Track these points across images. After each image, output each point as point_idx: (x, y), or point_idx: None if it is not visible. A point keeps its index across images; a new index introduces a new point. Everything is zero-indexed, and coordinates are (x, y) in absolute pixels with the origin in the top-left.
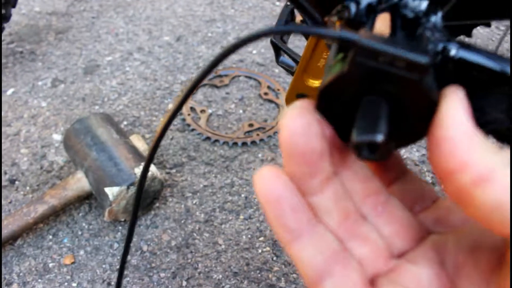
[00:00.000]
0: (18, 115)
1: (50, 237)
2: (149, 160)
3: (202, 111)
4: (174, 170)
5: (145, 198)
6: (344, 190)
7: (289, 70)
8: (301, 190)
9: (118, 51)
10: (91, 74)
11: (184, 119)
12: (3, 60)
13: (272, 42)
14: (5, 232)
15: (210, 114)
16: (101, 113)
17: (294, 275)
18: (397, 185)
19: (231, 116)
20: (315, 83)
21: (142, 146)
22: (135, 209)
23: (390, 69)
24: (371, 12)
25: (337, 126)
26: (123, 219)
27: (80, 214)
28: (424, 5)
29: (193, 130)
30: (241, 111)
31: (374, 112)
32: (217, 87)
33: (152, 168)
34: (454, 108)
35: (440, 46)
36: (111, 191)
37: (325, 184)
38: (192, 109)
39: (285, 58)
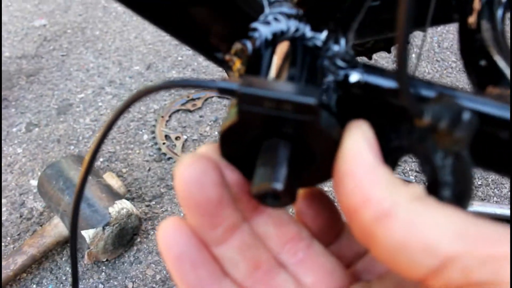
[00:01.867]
0: None
1: (34, 286)
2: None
3: (177, 137)
4: (153, 202)
5: (124, 235)
6: (254, 237)
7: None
8: (204, 241)
9: (89, 87)
10: (64, 114)
11: (159, 149)
12: None
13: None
14: None
15: (186, 140)
16: (72, 155)
17: None
18: (338, 242)
19: (206, 139)
20: None
21: (116, 183)
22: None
23: (279, 114)
24: (269, 45)
25: (244, 170)
26: (104, 259)
27: (63, 259)
28: (322, 36)
29: (169, 158)
30: (216, 132)
31: (274, 157)
32: (190, 111)
33: (128, 205)
34: (356, 142)
35: (341, 75)
36: (87, 234)
37: (230, 233)
38: (167, 137)
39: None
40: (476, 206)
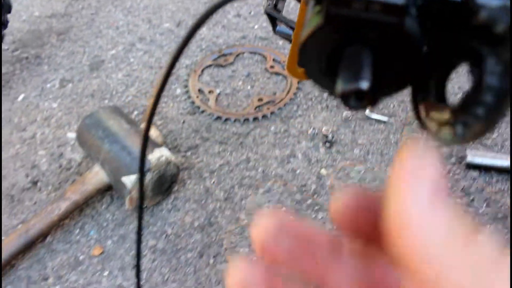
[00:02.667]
0: (32, 119)
1: (77, 231)
2: (146, 134)
3: (210, 91)
4: (189, 153)
5: (163, 183)
6: None
7: (287, 38)
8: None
9: (120, 44)
10: (97, 70)
11: (193, 102)
12: (11, 68)
13: (266, 13)
14: (33, 231)
15: (219, 94)
16: (108, 106)
17: None
18: None
19: (239, 93)
20: None
21: (154, 133)
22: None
23: (367, 15)
24: None
25: (321, 81)
26: (144, 206)
27: (103, 206)
28: None
29: (203, 111)
30: (249, 87)
31: (357, 61)
32: (222, 66)
33: (166, 153)
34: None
35: None
36: (128, 180)
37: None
38: (200, 91)
39: (281, 27)
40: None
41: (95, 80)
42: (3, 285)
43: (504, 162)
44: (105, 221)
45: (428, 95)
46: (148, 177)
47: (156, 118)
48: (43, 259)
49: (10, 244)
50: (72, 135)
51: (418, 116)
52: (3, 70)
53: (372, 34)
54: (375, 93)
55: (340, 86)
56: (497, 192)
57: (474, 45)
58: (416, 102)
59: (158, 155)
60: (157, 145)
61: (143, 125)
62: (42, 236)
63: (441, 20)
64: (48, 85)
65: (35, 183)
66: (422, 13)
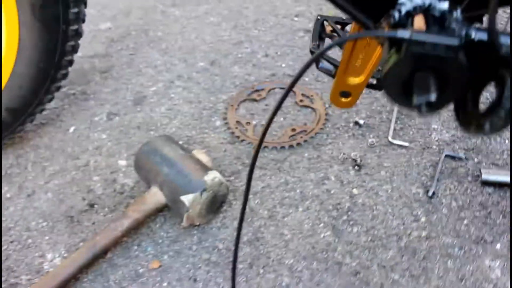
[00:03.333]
0: (84, 148)
1: (135, 247)
2: (259, 145)
3: (247, 123)
4: (232, 178)
5: (214, 203)
6: None
7: (329, 73)
8: None
9: (160, 81)
10: (140, 105)
11: (232, 132)
12: (60, 103)
13: (311, 51)
14: (99, 245)
15: (255, 125)
16: (161, 135)
17: (356, 252)
18: None
19: (273, 124)
20: (356, 80)
21: (205, 159)
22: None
23: (434, 52)
24: (409, 16)
25: (399, 99)
26: (198, 223)
27: (157, 225)
28: (446, 5)
29: (242, 140)
30: (281, 119)
31: (426, 82)
32: (256, 101)
33: (218, 175)
34: None
35: (463, 32)
36: (186, 199)
37: None
38: (238, 122)
39: (324, 64)
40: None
41: (140, 113)
42: None
43: None
44: (160, 238)
45: (466, 104)
46: (204, 196)
47: (199, 147)
48: (106, 272)
49: (80, 258)
50: (123, 162)
51: (458, 119)
52: (53, 105)
53: (436, 64)
54: (438, 104)
55: (416, 100)
56: (510, 206)
57: (499, 70)
58: (457, 110)
59: (212, 177)
60: (209, 169)
61: (194, 152)
62: (107, 250)
63: (479, 54)
64: (96, 118)
65: (91, 205)
66: (467, 50)
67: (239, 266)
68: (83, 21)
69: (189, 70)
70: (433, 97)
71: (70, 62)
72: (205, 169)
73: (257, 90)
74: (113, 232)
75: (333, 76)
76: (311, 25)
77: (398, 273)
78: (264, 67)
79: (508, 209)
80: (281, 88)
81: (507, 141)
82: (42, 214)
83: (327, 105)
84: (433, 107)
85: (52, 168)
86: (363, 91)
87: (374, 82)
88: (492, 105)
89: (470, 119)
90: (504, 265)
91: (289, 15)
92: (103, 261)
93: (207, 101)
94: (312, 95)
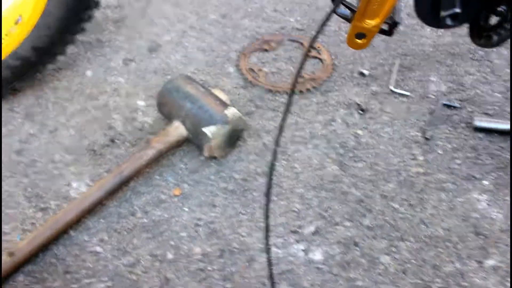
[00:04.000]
0: (102, 90)
1: (157, 177)
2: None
3: (259, 70)
4: (246, 117)
5: (233, 136)
6: None
7: (345, 18)
8: None
9: (173, 31)
10: (155, 52)
11: (246, 78)
12: (75, 50)
13: None
14: (125, 173)
15: (267, 72)
16: (182, 75)
17: (361, 184)
18: None
19: (283, 72)
20: (372, 22)
21: (224, 97)
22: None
23: None
24: None
25: (428, 19)
26: (217, 155)
27: (177, 159)
28: None
29: (255, 85)
30: (291, 68)
31: None
32: (267, 51)
33: (237, 111)
34: None
35: None
36: (208, 130)
37: None
38: (250, 69)
39: (341, 9)
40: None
41: (155, 60)
42: (98, 220)
43: (504, 126)
44: (180, 170)
45: (480, 21)
46: (225, 129)
47: (220, 89)
48: (130, 199)
49: (107, 184)
50: (142, 103)
51: (472, 35)
52: (69, 51)
53: None
54: (460, 17)
55: (443, 12)
56: (498, 148)
57: None
58: (472, 27)
59: (232, 111)
60: (228, 105)
61: (214, 90)
62: (131, 178)
63: None
64: (112, 64)
65: (113, 140)
66: None
67: (254, 194)
68: None
69: (201, 22)
70: (458, 9)
71: (97, 3)
72: (225, 105)
73: (267, 41)
74: (138, 160)
75: (349, 21)
76: None
77: (397, 202)
78: (273, 21)
79: (496, 152)
80: (290, 40)
81: (497, 94)
82: (66, 148)
83: (333, 57)
84: (456, 20)
85: (73, 107)
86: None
87: (386, 27)
88: (499, 21)
89: (482, 32)
90: (490, 199)
91: None
92: (127, 189)
93: (220, 50)
94: (319, 47)
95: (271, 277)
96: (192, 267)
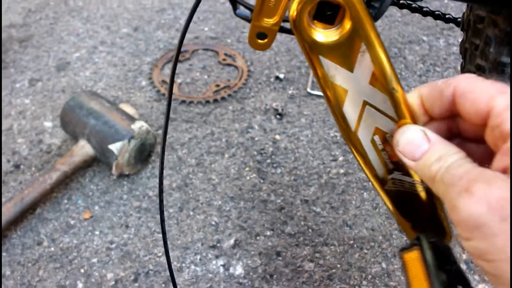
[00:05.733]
0: (6, 113)
1: (65, 201)
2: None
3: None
4: (159, 131)
5: (143, 151)
6: None
7: (246, 18)
8: None
9: (83, 47)
10: (64, 70)
11: (158, 91)
12: None
13: None
14: (27, 199)
15: (180, 83)
16: (85, 91)
17: (281, 190)
18: None
19: (198, 82)
20: (270, 21)
21: (131, 111)
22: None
23: None
24: None
25: None
26: (127, 173)
27: (87, 180)
28: None
29: None
30: (206, 76)
31: None
32: (180, 61)
33: (145, 124)
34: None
35: None
36: (115, 147)
37: None
38: (163, 81)
39: (241, 10)
40: None
41: (64, 78)
42: None
43: None
44: (90, 191)
45: None
46: (132, 144)
47: (127, 104)
48: (36, 227)
49: (7, 213)
50: (49, 124)
51: None
52: None
53: None
54: None
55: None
56: None
57: None
58: None
59: (139, 125)
60: (135, 119)
61: (121, 105)
62: (35, 205)
63: None
64: (17, 85)
65: (17, 166)
66: None
67: (170, 210)
68: None
69: (112, 36)
70: None
71: None
72: (132, 119)
73: (180, 52)
74: (41, 185)
75: (250, 21)
76: None
77: (319, 206)
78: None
79: None
80: (204, 49)
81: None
82: None
83: (249, 63)
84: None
85: None
86: (277, 37)
87: (288, 26)
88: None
89: None
90: None
91: None
92: (32, 216)
93: (132, 64)
94: (234, 54)
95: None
96: None
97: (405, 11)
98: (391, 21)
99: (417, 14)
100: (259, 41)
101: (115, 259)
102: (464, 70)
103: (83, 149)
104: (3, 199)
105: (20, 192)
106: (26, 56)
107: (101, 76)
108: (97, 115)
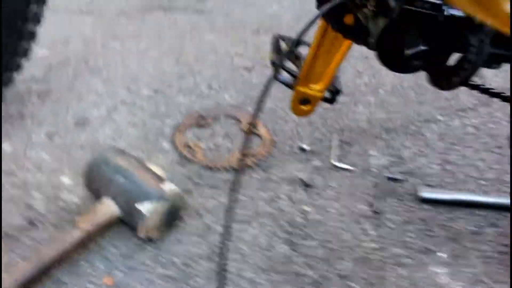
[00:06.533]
0: (21, 165)
1: (84, 264)
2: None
3: (196, 146)
4: (185, 195)
5: (170, 215)
6: None
7: (287, 84)
8: None
9: (103, 105)
10: (83, 126)
11: (182, 154)
12: None
13: (272, 62)
14: (43, 260)
15: (203, 149)
16: (110, 147)
17: (315, 263)
18: None
19: (221, 148)
20: (316, 87)
21: (160, 171)
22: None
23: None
24: None
25: (390, 56)
26: (153, 237)
27: (108, 241)
28: None
29: (192, 162)
30: (229, 144)
31: (415, 36)
32: (203, 127)
33: (175, 186)
34: None
35: None
36: (143, 207)
37: None
38: (186, 145)
39: (282, 76)
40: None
41: (83, 134)
42: None
43: (448, 196)
44: (112, 255)
45: (438, 64)
46: (164, 206)
47: (154, 164)
48: None
49: (21, 272)
50: (67, 179)
51: (431, 80)
52: None
53: (424, 19)
54: (426, 55)
55: (407, 51)
56: (447, 219)
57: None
58: (431, 72)
59: (170, 187)
60: (165, 180)
61: (148, 164)
62: (54, 266)
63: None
64: (34, 138)
65: (32, 223)
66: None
67: (199, 280)
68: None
69: (132, 96)
70: (422, 47)
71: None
72: (161, 179)
73: (203, 117)
74: (61, 244)
75: (291, 87)
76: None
77: (356, 282)
78: (208, 97)
79: (446, 222)
80: (226, 116)
81: (435, 166)
82: None
83: (271, 132)
84: (422, 59)
85: None
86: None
87: (328, 96)
88: (458, 60)
89: (441, 75)
90: (449, 271)
91: (229, 54)
92: (47, 279)
93: (153, 125)
94: (256, 123)
95: None
96: None
97: (419, 89)
98: (406, 99)
99: (430, 92)
100: (303, 107)
101: None
102: None
103: (108, 207)
104: (15, 256)
105: (36, 251)
106: (44, 109)
107: (121, 135)
108: (126, 173)
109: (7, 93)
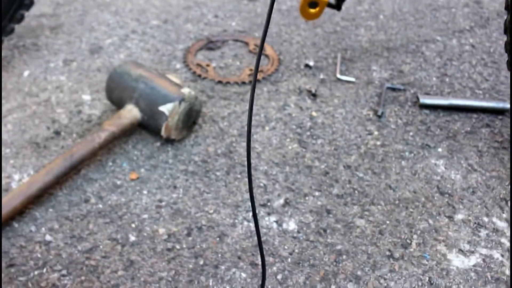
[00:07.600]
0: (42, 87)
1: (110, 163)
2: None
3: (207, 65)
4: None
5: (190, 117)
6: None
7: None
8: None
9: (115, 35)
10: (97, 53)
11: (194, 72)
12: (9, 53)
13: None
14: (76, 155)
15: (215, 67)
16: (129, 61)
17: (323, 158)
18: None
19: (231, 67)
20: None
21: (177, 80)
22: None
23: None
24: None
25: None
26: (174, 137)
27: (130, 146)
28: None
29: (204, 78)
30: (238, 63)
31: None
32: (212, 49)
33: (191, 90)
34: None
35: None
36: (165, 108)
37: None
38: (198, 65)
39: None
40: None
41: (98, 59)
42: (45, 210)
43: (445, 101)
44: (135, 156)
45: None
46: (182, 107)
47: (173, 74)
48: (81, 186)
49: (56, 167)
50: (87, 97)
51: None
52: (2, 54)
53: None
54: None
55: None
56: (444, 121)
57: None
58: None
59: (188, 90)
60: (183, 86)
61: (168, 75)
62: (83, 162)
63: None
64: (52, 64)
65: (58, 133)
66: None
67: (217, 173)
68: None
69: (142, 27)
70: None
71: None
72: (180, 86)
73: (212, 41)
74: (90, 143)
75: None
76: None
77: (362, 171)
78: (215, 25)
79: (443, 125)
80: (234, 40)
81: (434, 78)
82: (4, 142)
83: (278, 52)
84: None
85: (9, 104)
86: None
87: (333, 2)
88: None
89: None
90: (446, 163)
91: None
92: (77, 176)
93: (165, 50)
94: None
95: (260, 250)
96: (159, 248)
97: (418, 14)
98: (406, 23)
99: (429, 17)
100: (311, 10)
101: (166, 215)
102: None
103: (131, 112)
104: (45, 161)
105: (68, 149)
106: (58, 41)
107: (135, 59)
108: (146, 80)
109: (19, 28)
